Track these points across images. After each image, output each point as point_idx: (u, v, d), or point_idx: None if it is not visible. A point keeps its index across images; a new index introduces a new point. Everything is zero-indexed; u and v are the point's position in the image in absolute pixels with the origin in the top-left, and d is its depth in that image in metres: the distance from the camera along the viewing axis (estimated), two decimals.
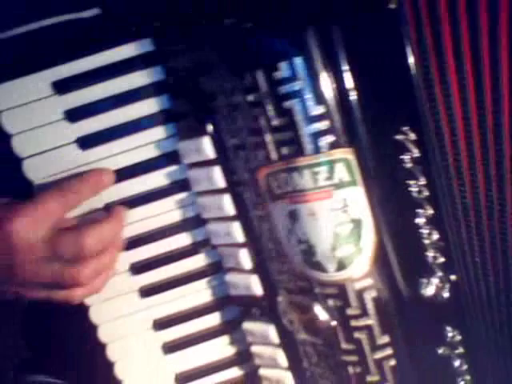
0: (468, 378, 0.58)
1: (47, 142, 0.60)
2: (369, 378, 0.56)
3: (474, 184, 0.52)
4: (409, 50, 0.49)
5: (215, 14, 0.52)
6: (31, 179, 0.60)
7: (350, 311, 0.54)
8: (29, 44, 0.56)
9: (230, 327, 0.66)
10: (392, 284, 0.54)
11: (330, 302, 0.54)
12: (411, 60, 0.49)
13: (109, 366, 0.68)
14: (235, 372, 0.68)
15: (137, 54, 0.58)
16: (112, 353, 0.66)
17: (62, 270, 0.56)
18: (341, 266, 0.53)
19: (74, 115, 0.59)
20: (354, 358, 0.56)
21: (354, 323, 0.54)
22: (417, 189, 0.52)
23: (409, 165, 0.51)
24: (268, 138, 0.50)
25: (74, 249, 0.56)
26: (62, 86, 0.58)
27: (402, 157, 0.51)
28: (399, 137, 0.50)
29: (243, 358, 0.67)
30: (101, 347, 0.67)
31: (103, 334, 0.66)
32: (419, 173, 0.52)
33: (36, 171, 0.60)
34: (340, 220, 0.51)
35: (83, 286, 0.59)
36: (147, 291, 0.65)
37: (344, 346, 0.56)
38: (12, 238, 0.55)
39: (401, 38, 0.48)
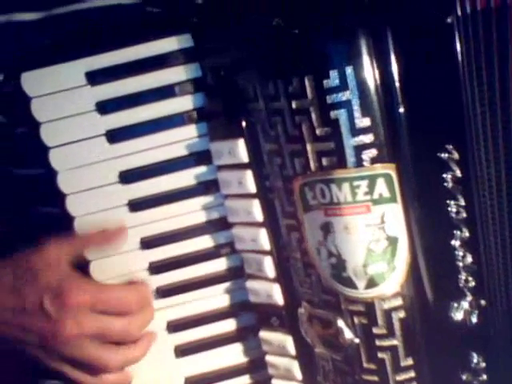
0: None
1: (75, 132, 0.58)
2: None
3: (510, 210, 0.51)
4: (460, 66, 0.48)
5: (262, 13, 0.50)
6: (56, 169, 0.59)
7: (375, 330, 0.52)
8: (65, 29, 0.54)
9: (245, 334, 0.65)
10: (421, 305, 0.52)
11: (356, 320, 0.53)
12: (461, 76, 0.48)
13: None
14: (247, 380, 0.68)
15: (174, 50, 0.57)
16: None
17: (99, 352, 0.57)
18: (371, 284, 0.51)
19: (105, 107, 0.58)
20: (374, 378, 0.54)
21: (378, 343, 0.53)
22: (455, 209, 0.51)
23: (450, 184, 0.50)
24: (309, 146, 0.49)
25: (122, 333, 0.58)
26: (96, 77, 0.57)
27: (444, 175, 0.50)
28: (443, 155, 0.49)
29: (256, 366, 0.67)
30: None
31: None
32: (459, 193, 0.50)
33: (62, 162, 0.59)
34: (375, 236, 0.50)
35: (107, 379, 0.59)
36: (164, 292, 0.64)
37: (366, 365, 0.54)
38: (68, 308, 0.55)
39: (454, 55, 0.46)
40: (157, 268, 0.63)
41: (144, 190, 0.61)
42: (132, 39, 0.56)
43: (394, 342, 0.52)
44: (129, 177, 0.60)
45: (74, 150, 0.59)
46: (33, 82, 0.56)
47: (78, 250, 0.58)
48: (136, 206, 0.61)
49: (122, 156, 0.60)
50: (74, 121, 0.58)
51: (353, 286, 0.52)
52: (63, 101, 0.57)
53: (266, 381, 0.66)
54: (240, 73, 0.53)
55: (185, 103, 0.58)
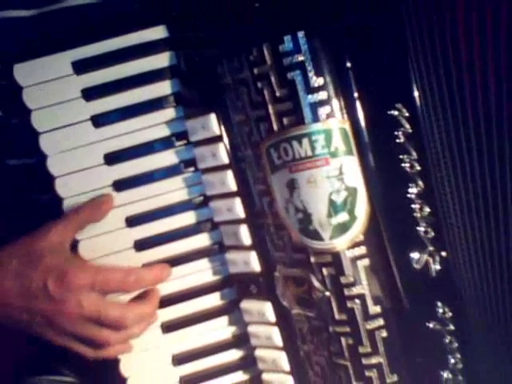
0: (458, 356, 0.60)
1: (63, 118, 0.64)
2: (361, 350, 0.57)
3: (462, 161, 0.56)
4: (407, 26, 0.53)
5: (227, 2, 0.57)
6: (46, 153, 0.65)
7: (343, 280, 0.56)
8: (54, 24, 0.61)
9: (229, 308, 0.68)
10: (384, 254, 0.56)
11: (325, 271, 0.56)
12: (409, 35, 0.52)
13: None
14: (232, 355, 0.70)
15: (151, 40, 0.64)
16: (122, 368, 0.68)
17: (98, 331, 0.62)
18: (336, 234, 0.55)
19: (89, 94, 0.64)
20: (346, 329, 0.57)
21: (347, 292, 0.56)
22: (409, 163, 0.56)
23: (402, 140, 0.55)
24: (271, 109, 0.54)
25: (117, 318, 0.62)
26: (81, 67, 0.63)
27: (396, 132, 0.54)
28: (393, 112, 0.54)
29: (241, 340, 0.69)
30: None
31: None
32: (411, 148, 0.55)
33: (51, 146, 0.64)
34: (336, 187, 0.54)
35: (108, 349, 0.64)
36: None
37: (337, 316, 0.57)
38: (70, 289, 0.60)
39: (400, 13, 0.52)
40: (142, 245, 0.67)
41: (128, 171, 0.66)
42: (113, 32, 0.63)
43: (361, 290, 0.56)
44: (113, 158, 0.65)
45: (63, 135, 0.64)
46: (24, 72, 0.62)
47: (77, 229, 0.63)
48: (120, 185, 0.65)
49: (106, 139, 0.65)
50: (62, 107, 0.64)
51: (319, 237, 0.56)
52: (52, 89, 0.63)
53: (251, 354, 0.69)
54: (208, 54, 0.59)
55: (163, 88, 0.64)
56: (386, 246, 0.56)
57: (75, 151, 0.65)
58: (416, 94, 0.54)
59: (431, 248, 0.58)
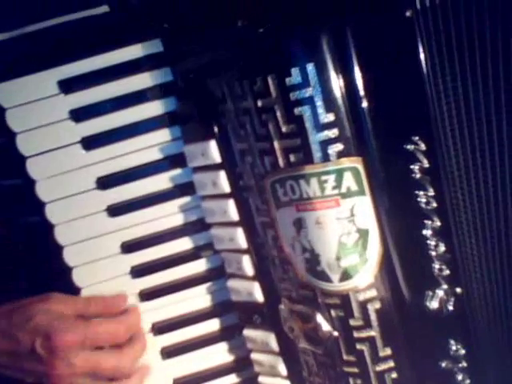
0: None
1: (51, 141, 0.59)
2: None
3: (479, 198, 0.52)
4: (422, 59, 0.48)
5: (227, 16, 0.51)
6: (34, 178, 0.60)
7: (352, 322, 0.53)
8: (37, 42, 0.55)
9: (229, 333, 0.66)
10: (396, 296, 0.53)
11: (333, 313, 0.54)
12: (424, 69, 0.48)
13: None
14: (234, 379, 0.68)
15: (144, 55, 0.58)
16: None
17: None
18: (345, 277, 0.52)
19: (79, 115, 0.59)
20: (355, 370, 0.55)
21: (356, 334, 0.53)
22: (425, 200, 0.52)
23: (418, 175, 0.51)
24: (276, 144, 0.50)
25: (113, 369, 0.60)
26: (68, 86, 0.58)
27: (411, 167, 0.50)
28: (409, 147, 0.50)
29: (242, 364, 0.67)
30: None
31: None
32: (428, 184, 0.51)
33: (39, 170, 0.60)
34: (346, 229, 0.50)
35: None
36: (147, 295, 0.64)
37: (345, 357, 0.55)
38: (58, 350, 0.57)
39: (415, 47, 0.47)
40: (139, 272, 0.64)
41: (122, 195, 0.61)
42: (102, 47, 0.57)
43: (372, 332, 0.53)
44: (106, 182, 0.61)
45: (51, 159, 0.60)
46: (6, 93, 0.58)
47: (78, 313, 0.60)
48: (115, 210, 0.62)
49: (98, 162, 0.60)
50: (49, 129, 0.59)
51: (327, 279, 0.53)
52: (37, 110, 0.58)
53: (252, 379, 0.67)
54: (209, 75, 0.54)
55: (157, 108, 0.59)
56: (400, 287, 0.53)
57: (65, 175, 0.60)
58: (434, 125, 0.50)
59: (445, 286, 0.54)
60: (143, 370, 0.62)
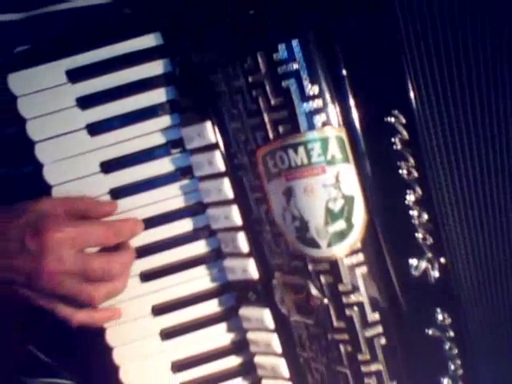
0: (458, 362, 0.59)
1: (59, 127, 0.64)
2: (360, 357, 0.57)
3: (458, 166, 0.55)
4: (403, 33, 0.52)
5: (222, 7, 0.56)
6: (42, 162, 0.64)
7: (341, 287, 0.56)
8: (44, 33, 0.60)
9: (228, 314, 0.68)
10: (382, 262, 0.56)
11: (323, 279, 0.56)
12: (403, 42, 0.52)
13: (106, 352, 0.70)
14: (231, 361, 0.70)
15: (146, 47, 0.63)
16: (110, 337, 0.68)
17: (81, 287, 0.60)
18: (333, 242, 0.55)
19: (85, 103, 0.63)
20: (345, 337, 0.57)
21: (345, 300, 0.56)
22: (406, 170, 0.55)
23: (399, 146, 0.54)
24: (266, 117, 0.54)
25: (103, 269, 0.61)
26: (75, 75, 0.63)
27: (392, 139, 0.54)
28: (390, 119, 0.54)
29: (240, 346, 0.69)
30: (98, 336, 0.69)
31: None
32: (409, 154, 0.55)
33: (47, 155, 0.64)
34: (332, 196, 0.54)
35: (92, 306, 0.62)
36: (147, 276, 0.67)
37: (336, 324, 0.57)
38: (48, 245, 0.58)
39: (394, 22, 0.51)
40: (139, 252, 0.67)
41: (125, 179, 0.65)
42: (107, 39, 0.62)
43: (360, 297, 0.56)
44: (110, 166, 0.65)
45: (58, 144, 0.64)
46: (19, 82, 0.62)
47: (68, 210, 0.60)
48: (118, 193, 0.65)
49: (102, 147, 0.65)
50: (57, 116, 0.63)
51: (316, 245, 0.55)
52: (47, 98, 0.63)
53: (250, 361, 0.69)
54: (203, 61, 0.59)
55: (158, 96, 0.64)
56: (385, 253, 0.56)
57: (71, 160, 0.64)
58: (412, 99, 0.54)
59: (430, 254, 0.57)
60: (123, 279, 0.62)
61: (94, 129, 0.64)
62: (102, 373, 0.75)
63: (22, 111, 0.63)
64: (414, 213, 0.56)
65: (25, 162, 0.68)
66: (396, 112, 0.54)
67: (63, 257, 0.59)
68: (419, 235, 0.57)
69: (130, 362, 0.68)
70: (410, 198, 0.55)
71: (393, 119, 0.54)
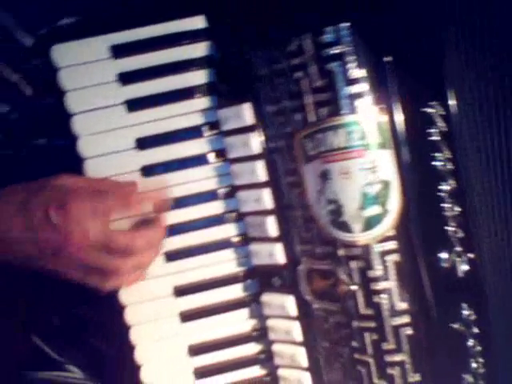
0: (481, 360, 0.59)
1: (98, 100, 0.64)
2: (385, 346, 0.57)
3: (493, 162, 0.56)
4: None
5: None
6: (78, 134, 0.65)
7: (371, 274, 0.56)
8: (91, 6, 0.62)
9: (248, 301, 0.68)
10: (412, 251, 0.56)
11: (353, 265, 0.56)
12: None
13: (123, 330, 0.70)
14: (249, 348, 0.69)
15: (190, 29, 0.64)
16: (129, 315, 0.68)
17: (108, 259, 0.61)
18: (367, 227, 0.55)
19: (126, 78, 0.64)
20: (371, 324, 0.57)
21: (374, 287, 0.56)
22: (442, 162, 0.56)
23: (436, 137, 0.55)
24: (308, 99, 0.55)
25: (126, 244, 0.61)
26: (119, 51, 0.64)
27: (430, 130, 0.55)
28: (429, 110, 0.55)
29: (258, 334, 0.69)
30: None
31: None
32: (445, 146, 0.55)
33: (83, 127, 0.65)
34: (369, 180, 0.54)
35: (120, 278, 0.63)
36: (172, 256, 0.67)
37: (362, 311, 0.57)
38: (72, 217, 0.59)
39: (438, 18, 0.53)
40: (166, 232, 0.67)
41: (157, 157, 0.66)
42: (153, 18, 0.64)
43: (389, 285, 0.56)
44: (144, 143, 0.65)
45: (96, 117, 0.64)
46: (63, 53, 0.63)
47: (90, 188, 0.61)
48: (149, 171, 0.66)
49: (138, 124, 0.65)
50: (97, 90, 0.64)
51: (349, 230, 0.56)
52: (89, 71, 0.64)
53: (267, 349, 0.68)
54: (245, 45, 0.60)
55: (197, 77, 0.65)
56: (415, 243, 0.56)
57: (107, 134, 0.65)
58: (450, 92, 0.55)
59: (459, 248, 0.57)
60: (150, 253, 0.62)
61: (132, 105, 0.64)
62: (110, 363, 0.74)
63: (63, 83, 0.64)
64: (446, 205, 0.56)
65: (59, 135, 0.69)
66: (435, 103, 0.55)
67: (87, 228, 0.60)
68: (450, 228, 0.57)
69: (147, 342, 0.68)
70: (444, 189, 0.56)
71: (432, 110, 0.55)
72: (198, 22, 0.64)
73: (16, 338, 0.87)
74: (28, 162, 0.73)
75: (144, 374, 0.68)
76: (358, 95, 0.53)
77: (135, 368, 0.69)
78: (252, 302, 0.68)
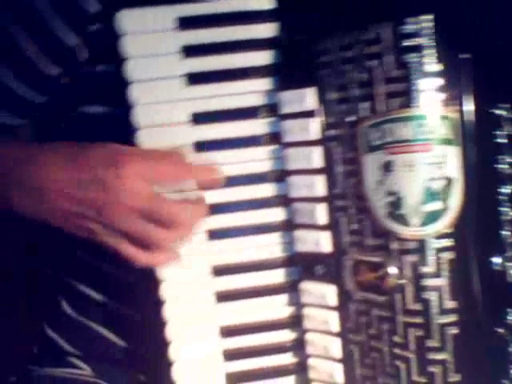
0: None
1: (158, 70, 0.64)
2: (429, 343, 0.57)
3: None
4: None
5: None
6: (134, 103, 0.64)
7: (424, 269, 0.56)
8: None
9: (287, 287, 0.67)
10: (467, 250, 0.56)
11: (405, 259, 0.56)
12: None
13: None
14: (282, 335, 0.69)
15: (259, 9, 0.64)
16: (164, 290, 0.67)
17: (150, 228, 0.60)
18: (425, 222, 0.55)
19: (189, 51, 0.63)
20: (417, 320, 0.57)
21: (425, 282, 0.56)
22: (505, 165, 0.56)
23: (502, 140, 0.55)
24: (379, 89, 0.54)
25: (172, 215, 0.60)
26: (186, 23, 0.63)
27: (497, 131, 0.55)
28: (498, 112, 0.55)
29: (293, 322, 0.68)
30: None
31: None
32: (509, 150, 0.55)
33: (141, 96, 0.63)
34: (434, 175, 0.54)
35: (159, 251, 0.62)
36: (214, 234, 0.66)
37: (410, 306, 0.57)
38: (123, 178, 0.58)
39: None
40: (211, 209, 0.66)
41: (212, 133, 0.65)
42: None
43: (441, 282, 0.56)
44: (199, 118, 0.65)
45: (154, 87, 0.64)
46: (128, 19, 0.62)
47: (148, 163, 0.59)
48: (202, 147, 0.65)
49: (196, 98, 0.65)
50: (158, 60, 0.63)
51: (407, 223, 0.55)
52: (152, 40, 0.63)
53: (300, 338, 0.68)
54: (314, 30, 0.59)
55: (261, 57, 0.64)
56: (470, 243, 0.56)
57: (163, 105, 0.64)
58: None
59: (510, 254, 0.58)
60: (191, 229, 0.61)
61: (192, 79, 0.64)
62: (120, 363, 0.74)
63: (125, 49, 0.63)
64: (503, 209, 0.56)
65: (110, 103, 0.68)
66: (505, 106, 0.55)
67: (136, 192, 0.58)
68: (505, 232, 0.57)
69: (179, 319, 0.68)
70: (504, 192, 0.56)
71: (501, 112, 0.55)
72: (265, 2, 0.64)
73: (25, 332, 0.86)
74: (74, 128, 0.73)
75: (173, 351, 0.68)
76: (432, 89, 0.53)
77: (164, 344, 0.68)
78: (289, 289, 0.69)
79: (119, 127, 0.66)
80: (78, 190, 0.59)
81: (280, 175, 0.66)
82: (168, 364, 0.67)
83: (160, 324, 0.67)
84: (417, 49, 0.53)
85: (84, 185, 0.59)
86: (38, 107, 0.70)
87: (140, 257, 0.62)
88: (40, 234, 0.81)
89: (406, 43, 0.53)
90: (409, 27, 0.53)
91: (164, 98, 0.64)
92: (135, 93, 0.64)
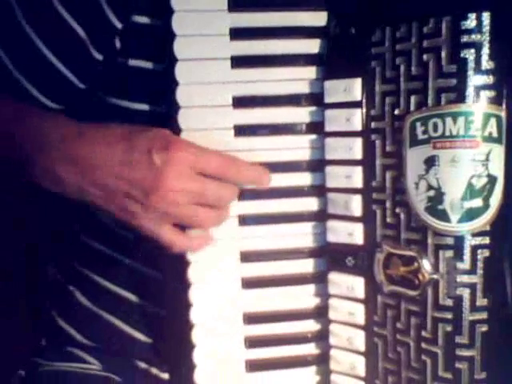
0: None
1: (204, 50, 0.64)
2: (458, 340, 0.57)
3: None
4: None
5: None
6: (179, 81, 0.64)
7: (459, 265, 0.56)
8: None
9: (314, 278, 0.68)
10: (502, 249, 0.56)
11: (441, 254, 0.56)
12: None
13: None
14: (306, 325, 0.68)
15: None
16: (192, 273, 0.67)
17: (195, 208, 0.61)
18: (465, 218, 0.55)
19: (238, 34, 0.64)
20: (448, 316, 0.57)
21: (459, 279, 0.56)
22: None
23: None
24: (431, 83, 0.55)
25: (216, 196, 0.61)
26: (236, 4, 0.63)
27: None
28: None
29: (317, 312, 0.68)
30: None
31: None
32: None
33: (185, 75, 0.64)
34: (478, 172, 0.54)
35: (202, 230, 0.62)
36: (246, 219, 0.66)
37: (442, 302, 0.57)
38: (173, 161, 0.59)
39: None
40: (247, 193, 0.66)
41: (252, 118, 0.65)
42: None
43: (475, 279, 0.56)
44: (241, 102, 0.65)
45: (199, 66, 0.64)
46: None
47: (197, 157, 0.60)
48: (241, 131, 0.65)
49: (239, 82, 0.65)
50: (206, 40, 0.63)
51: (446, 219, 0.56)
52: (202, 20, 0.63)
53: (323, 329, 0.68)
54: (368, 20, 0.60)
55: (309, 46, 0.65)
56: (506, 242, 0.56)
57: (206, 86, 0.64)
58: None
59: None
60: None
61: (238, 62, 0.64)
62: (129, 356, 0.73)
63: (175, 27, 0.63)
64: None
65: (156, 82, 0.67)
66: None
67: (184, 175, 0.59)
68: None
69: (204, 303, 0.67)
70: None
71: None
72: None
73: (31, 324, 0.85)
74: (113, 114, 0.72)
75: (195, 334, 0.68)
76: (486, 86, 0.54)
77: (186, 328, 0.68)
78: (316, 279, 0.69)
79: (161, 111, 0.66)
80: (128, 169, 0.59)
81: (316, 165, 0.68)
82: (189, 349, 0.67)
83: (184, 307, 0.67)
84: (474, 45, 0.53)
85: (135, 165, 0.59)
86: (76, 94, 0.69)
87: (177, 241, 0.62)
88: (54, 225, 0.80)
89: (465, 39, 0.53)
90: (469, 22, 0.53)
91: (208, 79, 0.64)
92: (179, 71, 0.64)
